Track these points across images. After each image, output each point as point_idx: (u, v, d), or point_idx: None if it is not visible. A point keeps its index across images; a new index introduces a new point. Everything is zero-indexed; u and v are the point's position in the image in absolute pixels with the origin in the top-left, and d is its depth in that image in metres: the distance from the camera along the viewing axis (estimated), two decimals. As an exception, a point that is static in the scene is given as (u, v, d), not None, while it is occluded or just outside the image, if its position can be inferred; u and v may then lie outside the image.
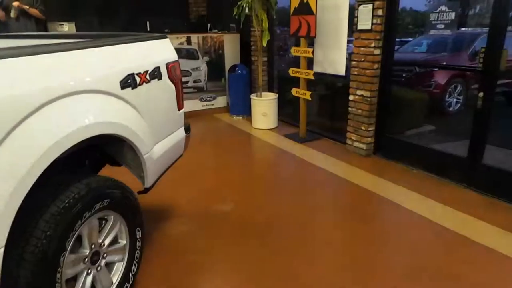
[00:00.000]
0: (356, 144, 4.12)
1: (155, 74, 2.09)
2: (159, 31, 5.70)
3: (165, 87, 2.22)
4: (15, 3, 4.98)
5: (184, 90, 5.92)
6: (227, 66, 5.98)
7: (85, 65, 1.62)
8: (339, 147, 4.40)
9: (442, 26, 3.39)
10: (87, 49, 1.67)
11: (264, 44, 4.92)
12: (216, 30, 6.16)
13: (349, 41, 4.20)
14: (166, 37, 2.38)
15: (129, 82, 1.84)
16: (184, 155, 2.64)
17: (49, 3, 6.06)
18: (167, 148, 2.28)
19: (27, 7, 5.03)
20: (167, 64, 2.22)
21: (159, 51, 2.22)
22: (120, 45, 1.87)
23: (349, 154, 4.16)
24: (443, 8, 3.34)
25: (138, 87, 1.92)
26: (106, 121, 1.67)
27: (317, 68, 4.61)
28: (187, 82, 5.78)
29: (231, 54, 6.06)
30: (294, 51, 4.62)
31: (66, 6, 6.26)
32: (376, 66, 3.77)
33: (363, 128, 3.99)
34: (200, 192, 3.30)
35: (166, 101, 2.26)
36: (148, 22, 5.57)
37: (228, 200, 3.14)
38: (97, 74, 1.66)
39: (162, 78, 2.17)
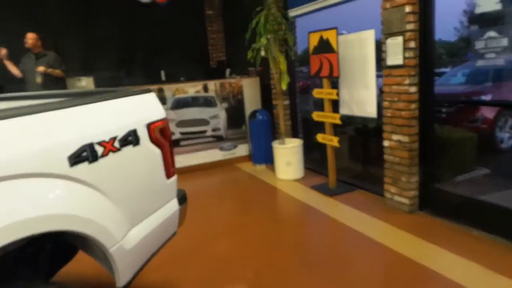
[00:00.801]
0: (396, 198, 3.46)
1: (129, 139, 1.65)
2: (174, 80, 5.52)
3: (144, 154, 1.77)
4: (40, 69, 4.95)
5: (203, 140, 5.60)
6: (248, 112, 5.60)
7: (11, 141, 1.21)
8: (376, 200, 3.75)
9: (492, 54, 2.81)
10: (19, 118, 1.27)
11: (284, 87, 4.50)
12: (234, 75, 5.86)
13: (378, 76, 3.69)
14: (150, 91, 1.97)
15: (83, 155, 1.40)
16: (196, 216, 2.16)
17: (69, 58, 6.09)
18: (150, 230, 1.79)
19: (51, 70, 5.00)
20: (148, 125, 1.79)
21: (137, 109, 1.80)
22: (76, 108, 1.46)
23: (388, 210, 3.50)
24: (492, 33, 2.77)
25: (100, 160, 1.48)
26: (39, 216, 1.21)
27: (344, 110, 4.09)
28: (205, 131, 5.43)
29: (251, 99, 5.69)
30: (316, 93, 4.15)
31: (85, 60, 6.26)
32: (413, 106, 3.19)
33: (403, 179, 3.35)
34: (210, 267, 2.75)
35: (147, 170, 1.80)
36: (162, 72, 5.36)
37: (243, 280, 2.57)
38: (30, 150, 1.24)
39: (141, 142, 1.73)
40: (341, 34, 3.84)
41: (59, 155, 1.31)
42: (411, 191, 3.33)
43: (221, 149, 5.60)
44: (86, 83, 5.86)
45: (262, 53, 4.45)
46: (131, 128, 1.68)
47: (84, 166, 1.40)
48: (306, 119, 5.44)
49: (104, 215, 1.47)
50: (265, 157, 5.28)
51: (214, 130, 5.50)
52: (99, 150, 1.48)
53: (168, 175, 1.95)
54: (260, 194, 4.36)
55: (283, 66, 4.40)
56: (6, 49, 4.98)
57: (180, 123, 5.25)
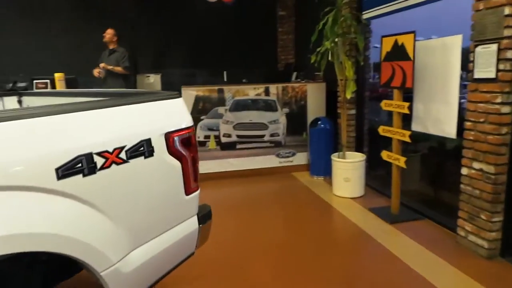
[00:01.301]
0: (472, 238, 2.86)
1: (141, 150, 1.47)
2: (236, 81, 5.38)
3: (159, 167, 1.58)
4: (101, 65, 5.20)
5: (260, 145, 5.38)
6: (310, 119, 5.25)
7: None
8: (446, 236, 3.17)
9: None
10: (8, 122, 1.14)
11: (348, 96, 4.08)
12: (299, 79, 5.54)
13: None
14: (178, 96, 1.78)
15: (77, 167, 1.24)
16: (235, 227, 1.96)
17: (142, 55, 6.33)
18: (160, 250, 1.60)
19: (111, 66, 5.21)
20: (167, 134, 1.60)
21: (156, 116, 1.62)
22: (75, 114, 1.31)
23: (461, 251, 2.91)
24: None
25: (100, 172, 1.31)
26: (6, 235, 1.07)
27: (416, 127, 3.55)
28: (263, 136, 5.20)
29: (314, 106, 5.33)
30: (385, 105, 3.66)
31: (155, 58, 6.45)
32: (504, 130, 2.59)
33: (483, 216, 2.75)
34: (238, 290, 2.51)
35: (160, 185, 1.61)
36: (225, 73, 5.26)
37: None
38: (6, 160, 1.10)
39: (155, 154, 1.54)
40: (417, 40, 3.31)
41: (44, 166, 1.16)
42: (491, 232, 2.72)
43: (278, 155, 5.33)
44: (154, 80, 6.02)
45: (329, 57, 4.08)
46: (144, 137, 1.50)
47: (76, 180, 1.24)
48: (373, 131, 4.91)
49: (96, 234, 1.30)
50: (324, 169, 4.88)
51: (272, 135, 5.25)
52: (99, 161, 1.31)
53: (188, 191, 1.74)
54: (312, 210, 4.00)
55: (350, 72, 3.97)
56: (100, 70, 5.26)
57: (238, 126, 5.10)
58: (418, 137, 3.93)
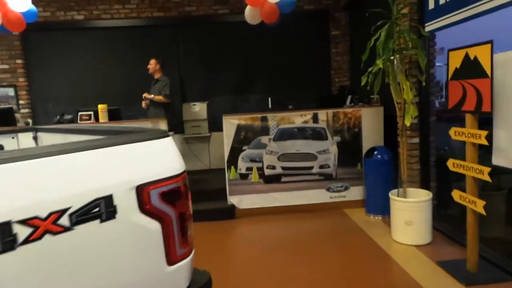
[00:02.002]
0: None
1: (95, 211, 1.11)
2: (282, 108, 4.98)
3: (125, 232, 1.20)
4: (144, 95, 5.18)
5: (308, 178, 4.85)
6: (365, 149, 4.62)
7: None
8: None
9: None
10: None
11: (408, 122, 3.43)
12: (352, 104, 4.97)
13: None
14: (165, 135, 1.41)
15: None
16: (275, 276, 1.51)
17: (187, 85, 6.26)
18: None
19: (152, 96, 5.15)
20: (140, 188, 1.22)
21: (125, 164, 1.25)
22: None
23: None
24: None
25: (22, 248, 0.96)
26: None
27: (498, 161, 2.79)
28: (311, 168, 4.68)
29: (370, 133, 4.70)
30: (455, 133, 2.97)
31: (202, 86, 6.34)
32: None
33: None
34: None
35: (127, 257, 1.22)
36: (270, 99, 4.89)
37: None
38: None
39: (119, 215, 1.17)
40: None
41: None
42: None
43: (329, 190, 4.74)
44: (199, 108, 5.86)
45: (386, 77, 3.51)
46: (101, 194, 1.13)
47: (-19, 261, 0.90)
48: (443, 162, 4.13)
49: None
50: (382, 207, 4.19)
51: (322, 167, 4.70)
52: (22, 232, 0.96)
53: (172, 260, 1.33)
54: (364, 259, 3.35)
55: (408, 94, 3.35)
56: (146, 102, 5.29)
57: (283, 157, 4.65)
58: (503, 170, 3.14)
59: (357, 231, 4.02)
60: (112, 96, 6.12)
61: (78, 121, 4.47)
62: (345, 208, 4.69)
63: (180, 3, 6.12)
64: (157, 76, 5.37)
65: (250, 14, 4.45)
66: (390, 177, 4.27)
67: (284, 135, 4.67)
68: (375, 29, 3.47)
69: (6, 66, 6.03)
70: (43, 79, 6.15)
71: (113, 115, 4.61)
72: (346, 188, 4.75)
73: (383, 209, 4.18)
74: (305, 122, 4.68)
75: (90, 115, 4.46)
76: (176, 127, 5.82)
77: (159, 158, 1.35)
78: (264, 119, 4.63)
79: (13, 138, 2.64)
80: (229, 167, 4.63)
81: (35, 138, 2.72)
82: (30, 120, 5.87)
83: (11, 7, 3.73)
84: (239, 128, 4.59)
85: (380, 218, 4.29)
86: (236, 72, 6.32)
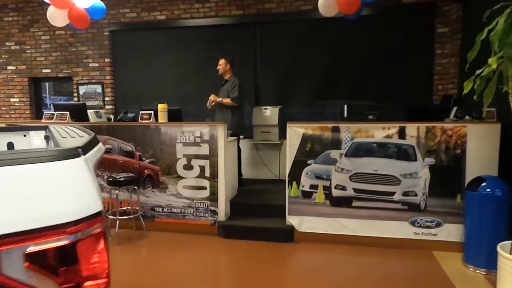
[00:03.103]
0: None
1: None
2: (359, 118, 4.14)
3: None
4: (210, 97, 4.86)
5: (387, 205, 3.90)
6: (469, 177, 3.53)
7: None
8: None
9: None
10: None
11: (535, 149, 2.37)
12: (454, 118, 3.87)
13: None
14: (75, 155, 0.89)
15: None
16: None
17: (262, 88, 5.81)
18: None
19: (220, 99, 4.80)
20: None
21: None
22: None
23: None
24: None
25: None
26: None
27: None
28: (392, 194, 3.76)
29: (479, 158, 3.58)
30: None
31: (277, 90, 5.82)
32: None
33: None
34: None
35: None
36: (346, 106, 4.10)
37: None
38: None
39: None
40: None
41: None
42: None
43: (414, 224, 3.75)
44: (270, 113, 5.34)
45: (505, 86, 2.50)
46: None
47: None
48: None
49: None
50: (488, 258, 3.10)
51: (406, 194, 3.75)
52: None
53: None
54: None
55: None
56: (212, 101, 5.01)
57: (357, 177, 3.83)
58: None
59: (447, 285, 3.01)
60: (186, 95, 6.02)
61: (139, 120, 4.34)
62: (435, 249, 3.66)
63: (259, 0, 5.70)
64: (226, 76, 5.01)
65: (324, 3, 3.76)
66: (502, 220, 3.14)
67: (360, 150, 3.84)
68: (490, 16, 2.48)
69: (96, 65, 6.38)
70: (126, 77, 6.35)
71: (173, 115, 4.38)
72: (438, 225, 3.70)
73: (489, 262, 3.09)
74: (388, 136, 3.78)
75: (150, 114, 4.29)
76: (245, 131, 5.40)
77: (50, 191, 0.83)
78: (336, 129, 3.88)
79: (24, 136, 2.47)
80: (290, 182, 3.99)
81: (46, 137, 2.50)
82: (112, 116, 6.09)
83: (76, 4, 3.74)
84: (305, 138, 3.93)
85: (483, 273, 3.19)
86: (315, 75, 5.65)
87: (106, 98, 6.39)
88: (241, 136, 5.37)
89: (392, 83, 5.34)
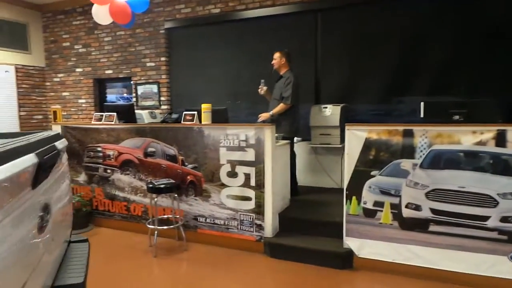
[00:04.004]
0: None
1: None
2: (440, 119, 3.27)
3: None
4: (260, 116, 4.36)
5: (477, 233, 2.90)
6: None
7: None
8: None
9: None
10: None
11: None
12: None
13: None
14: None
15: None
16: None
17: (323, 83, 5.15)
18: None
19: (270, 113, 4.31)
20: None
21: None
22: None
23: None
24: None
25: None
26: None
27: None
28: (485, 219, 2.87)
29: None
30: None
31: (341, 86, 5.10)
32: None
33: None
34: None
35: None
36: (422, 105, 3.26)
37: None
38: None
39: None
40: None
41: None
42: None
43: (517, 260, 2.83)
44: (331, 112, 4.65)
45: None
46: None
47: None
48: None
49: None
50: None
51: (506, 220, 2.83)
52: None
53: None
54: None
55: None
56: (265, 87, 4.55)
57: (436, 194, 3.01)
58: None
59: None
60: (241, 93, 5.61)
61: (182, 121, 4.00)
62: (548, 299, 2.70)
63: (321, -17, 5.03)
64: (282, 71, 4.45)
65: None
66: None
67: (440, 161, 3.01)
68: None
69: (152, 64, 6.27)
70: (181, 76, 6.14)
71: (218, 116, 3.96)
72: (554, 265, 2.73)
73: None
74: (481, 143, 2.89)
75: (194, 115, 3.93)
76: (302, 133, 4.80)
77: None
78: (408, 133, 3.09)
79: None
80: (349, 197, 3.31)
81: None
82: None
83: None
84: (368, 144, 3.21)
85: None
86: (386, 68, 4.80)
87: (162, 98, 6.25)
88: (297, 139, 4.78)
89: (485, 75, 4.28)
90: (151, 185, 3.72)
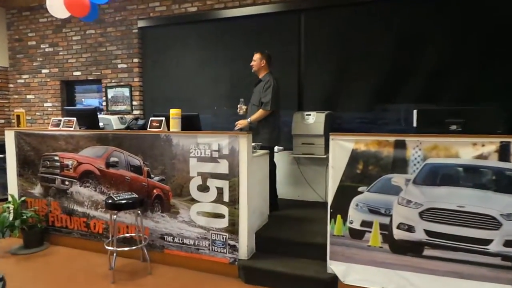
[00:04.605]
0: None
1: None
2: (435, 128, 2.92)
3: None
4: (237, 124, 4.00)
5: (478, 259, 2.34)
6: None
7: None
8: None
9: None
10: None
11: None
12: None
13: None
14: None
15: None
16: None
17: (307, 88, 4.80)
18: None
19: (248, 120, 3.95)
20: None
21: None
22: None
23: None
24: None
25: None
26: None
27: None
28: (487, 242, 2.53)
29: None
30: None
31: (326, 92, 4.75)
32: None
33: None
34: None
35: None
36: (415, 112, 2.91)
37: None
38: None
39: None
40: None
41: None
42: None
43: (523, 290, 2.48)
44: (314, 119, 4.29)
45: None
46: None
47: None
48: None
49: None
50: None
51: (510, 244, 2.49)
52: None
53: None
54: None
55: None
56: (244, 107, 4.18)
57: (431, 214, 2.66)
58: None
59: None
60: (220, 97, 5.21)
61: (148, 128, 3.57)
62: (559, 336, 2.35)
63: (304, -19, 4.70)
64: (261, 74, 4.08)
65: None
66: None
67: (437, 176, 2.66)
68: None
69: (124, 66, 5.82)
70: (155, 79, 5.70)
71: (189, 123, 3.54)
72: None
73: None
74: (482, 157, 2.55)
75: (161, 121, 3.50)
76: (283, 142, 4.42)
77: None
78: (400, 144, 2.73)
79: None
80: (333, 216, 2.93)
81: None
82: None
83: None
84: (355, 156, 2.84)
85: None
86: (375, 72, 4.48)
87: (134, 103, 5.79)
88: (279, 148, 4.40)
89: (485, 80, 3.99)
90: (110, 201, 3.26)
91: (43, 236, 4.11)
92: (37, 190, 4.15)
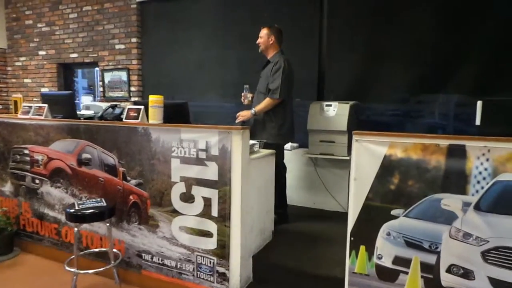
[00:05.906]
0: None
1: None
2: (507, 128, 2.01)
3: None
4: (239, 116, 3.21)
5: None
6: None
7: None
8: None
9: None
10: None
11: None
12: None
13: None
14: None
15: None
16: None
17: (329, 74, 3.95)
18: None
19: (253, 111, 3.14)
20: None
21: None
22: None
23: None
24: None
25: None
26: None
27: None
28: None
29: None
30: None
31: (352, 78, 3.88)
32: None
33: None
34: None
35: None
36: (478, 105, 2.04)
37: None
38: None
39: None
40: None
41: None
42: None
43: None
44: (336, 111, 3.45)
45: None
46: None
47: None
48: None
49: None
50: None
51: None
52: None
53: None
54: None
55: None
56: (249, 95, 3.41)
57: (500, 255, 1.80)
58: None
59: None
60: (221, 85, 4.46)
61: (125, 119, 2.87)
62: None
63: None
64: (270, 54, 3.28)
65: None
66: None
67: (510, 199, 1.80)
68: None
69: (122, 46, 5.16)
70: (156, 62, 5.01)
71: (175, 113, 2.80)
72: None
73: None
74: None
75: (140, 110, 2.78)
76: (296, 138, 3.62)
77: None
78: (457, 151, 1.88)
79: None
80: (355, 246, 2.12)
81: None
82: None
83: None
84: (388, 166, 2.01)
85: None
86: (414, 56, 3.57)
87: (132, 88, 5.14)
88: (292, 145, 3.61)
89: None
90: (71, 210, 2.59)
91: (13, 241, 3.55)
92: (8, 187, 3.58)
